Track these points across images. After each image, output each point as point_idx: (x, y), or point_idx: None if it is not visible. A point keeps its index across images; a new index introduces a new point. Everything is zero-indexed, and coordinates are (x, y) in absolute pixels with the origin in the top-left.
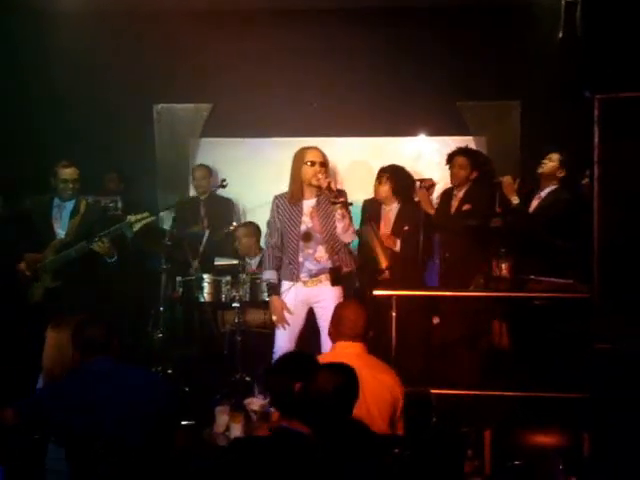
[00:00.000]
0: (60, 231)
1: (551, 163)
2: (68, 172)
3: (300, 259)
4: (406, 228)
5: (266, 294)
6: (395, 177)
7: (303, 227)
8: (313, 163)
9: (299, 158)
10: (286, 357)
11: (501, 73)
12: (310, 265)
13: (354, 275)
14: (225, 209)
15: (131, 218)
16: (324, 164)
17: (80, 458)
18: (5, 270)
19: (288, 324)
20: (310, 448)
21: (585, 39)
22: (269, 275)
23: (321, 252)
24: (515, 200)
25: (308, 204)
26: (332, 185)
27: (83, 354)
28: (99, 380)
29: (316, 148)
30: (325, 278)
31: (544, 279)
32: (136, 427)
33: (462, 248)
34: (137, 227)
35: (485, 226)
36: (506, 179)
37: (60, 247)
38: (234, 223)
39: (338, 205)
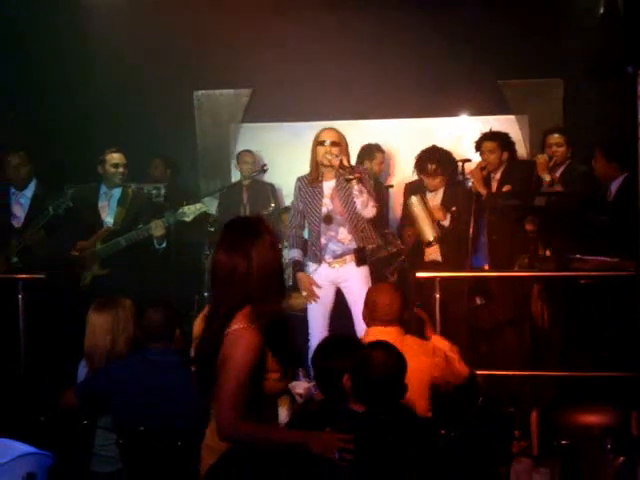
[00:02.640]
0: (108, 219)
1: (561, 149)
2: (117, 157)
3: (323, 241)
4: (454, 209)
5: None
6: (444, 166)
7: (324, 209)
8: (323, 142)
9: (314, 139)
10: (328, 344)
11: (542, 50)
12: (334, 246)
13: (380, 251)
14: (267, 194)
15: (185, 210)
16: (336, 143)
17: (131, 444)
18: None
19: (318, 297)
20: (366, 427)
21: (627, 14)
22: (294, 253)
23: (343, 234)
24: (547, 178)
25: (328, 185)
26: (344, 162)
27: (144, 339)
28: (161, 370)
29: (331, 128)
30: (350, 259)
31: (590, 258)
32: (188, 422)
33: (506, 228)
34: (190, 217)
35: (528, 205)
36: (541, 157)
37: (108, 235)
38: (272, 205)
39: (353, 181)
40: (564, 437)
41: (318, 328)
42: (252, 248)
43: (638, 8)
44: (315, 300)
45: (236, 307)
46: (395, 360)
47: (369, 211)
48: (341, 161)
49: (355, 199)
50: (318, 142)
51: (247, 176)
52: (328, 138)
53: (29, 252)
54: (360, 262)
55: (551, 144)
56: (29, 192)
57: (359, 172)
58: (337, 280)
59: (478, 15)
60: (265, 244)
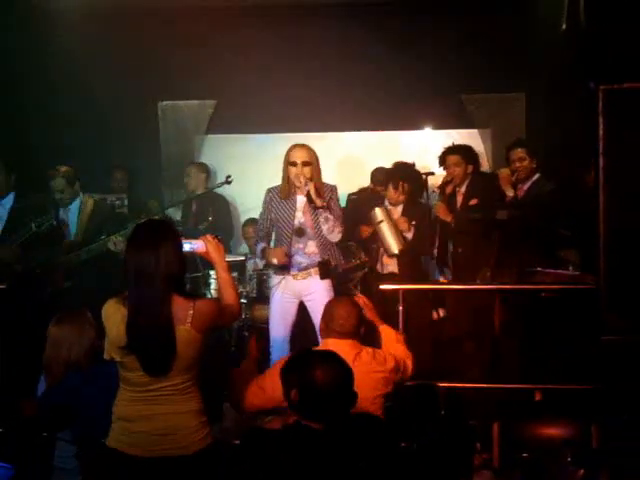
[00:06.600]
0: (70, 231)
1: (524, 163)
2: (55, 185)
3: (291, 253)
4: (414, 223)
5: None
6: (412, 183)
7: (296, 222)
8: (295, 164)
9: (286, 157)
10: (286, 360)
11: (505, 65)
12: (300, 258)
13: (340, 270)
14: (216, 207)
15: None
16: (307, 163)
17: (91, 456)
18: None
19: (290, 265)
20: (323, 443)
21: (589, 30)
22: (260, 245)
23: (312, 247)
24: (510, 193)
25: (301, 199)
26: (312, 192)
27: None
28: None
29: (302, 146)
30: (315, 272)
31: (551, 271)
32: None
33: (470, 242)
34: None
35: (491, 219)
36: (503, 171)
37: (70, 247)
38: (209, 217)
39: (320, 209)
40: (525, 450)
41: (280, 341)
42: (160, 247)
43: (600, 25)
44: (287, 268)
45: (167, 296)
46: (339, 370)
47: (335, 237)
48: (308, 192)
49: (322, 225)
50: (289, 162)
51: (190, 189)
52: (299, 159)
53: (3, 264)
54: (324, 275)
55: (514, 159)
56: (8, 203)
57: (324, 198)
58: (301, 293)
59: (441, 30)
60: (171, 243)
